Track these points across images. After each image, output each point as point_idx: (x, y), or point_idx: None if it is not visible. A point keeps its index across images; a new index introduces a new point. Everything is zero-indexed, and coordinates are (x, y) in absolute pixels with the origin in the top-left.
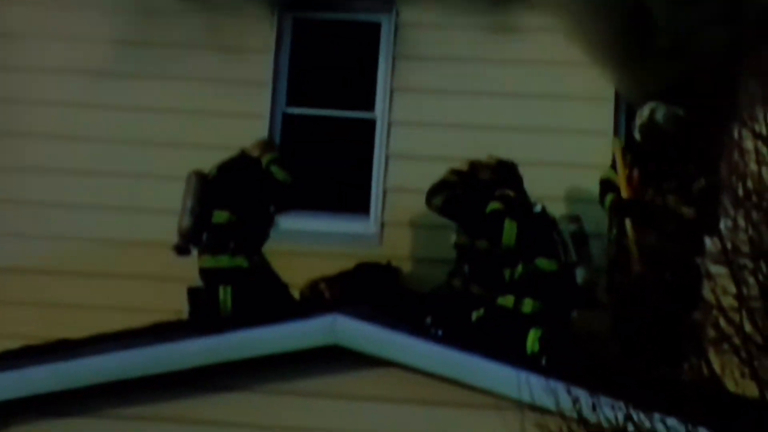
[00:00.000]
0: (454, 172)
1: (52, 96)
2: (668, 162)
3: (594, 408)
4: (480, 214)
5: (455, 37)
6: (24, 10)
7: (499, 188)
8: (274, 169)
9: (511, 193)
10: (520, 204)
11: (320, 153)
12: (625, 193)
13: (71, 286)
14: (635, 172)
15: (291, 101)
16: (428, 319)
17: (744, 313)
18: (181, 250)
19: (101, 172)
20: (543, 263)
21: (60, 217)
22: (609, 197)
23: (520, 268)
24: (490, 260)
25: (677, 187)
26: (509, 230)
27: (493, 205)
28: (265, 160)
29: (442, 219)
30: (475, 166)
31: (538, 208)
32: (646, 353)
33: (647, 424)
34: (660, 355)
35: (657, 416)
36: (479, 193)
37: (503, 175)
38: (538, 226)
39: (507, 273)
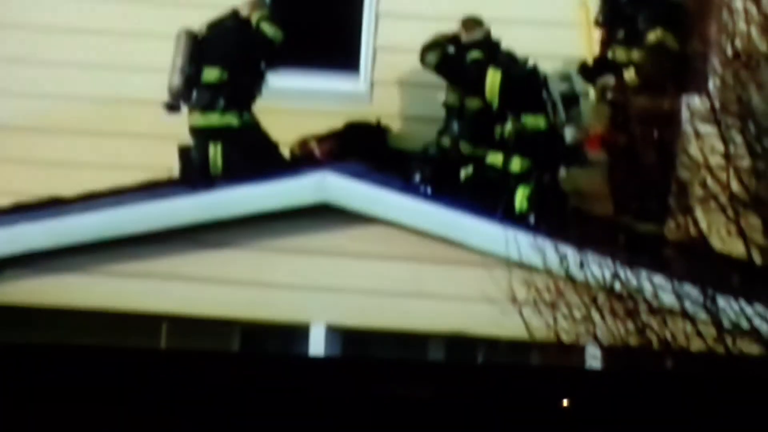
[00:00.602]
0: (444, 34)
1: None
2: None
3: (581, 265)
4: (467, 67)
5: None
6: None
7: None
8: (264, 26)
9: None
10: (505, 56)
11: (310, 11)
12: (589, 54)
13: (63, 143)
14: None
15: None
16: (417, 177)
17: (731, 171)
18: (172, 107)
19: (91, 29)
20: (531, 120)
21: (51, 76)
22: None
23: (509, 125)
24: (479, 118)
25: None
26: (492, 80)
27: (473, 54)
28: (254, 17)
29: (431, 77)
30: (466, 25)
31: (529, 66)
32: (637, 210)
33: (634, 281)
34: (649, 211)
35: (643, 273)
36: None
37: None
38: (527, 82)
39: (497, 131)
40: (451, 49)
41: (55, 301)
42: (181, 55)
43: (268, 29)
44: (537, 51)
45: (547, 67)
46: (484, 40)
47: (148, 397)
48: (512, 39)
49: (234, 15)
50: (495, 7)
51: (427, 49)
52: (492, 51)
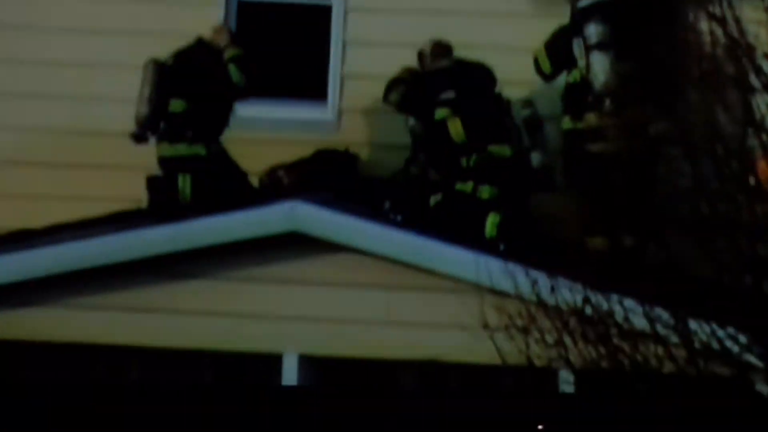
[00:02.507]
0: (407, 69)
1: None
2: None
3: (552, 290)
4: (431, 113)
5: None
6: None
7: (449, 79)
8: (231, 67)
9: (452, 95)
10: (469, 90)
11: (277, 40)
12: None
13: (30, 176)
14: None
15: None
16: (387, 204)
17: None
18: (139, 138)
19: (58, 61)
20: (496, 149)
21: (17, 107)
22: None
23: (474, 156)
24: (445, 148)
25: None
26: (455, 128)
27: (440, 113)
28: (227, 54)
29: None
30: (424, 55)
31: (494, 92)
32: (607, 233)
33: (605, 305)
34: (620, 233)
35: (614, 297)
36: (433, 84)
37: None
38: (490, 112)
39: (464, 161)
40: (411, 84)
41: (23, 335)
42: (148, 84)
43: (235, 73)
44: (499, 76)
45: (510, 92)
46: (449, 68)
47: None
48: None
49: (200, 44)
50: (458, 33)
51: (389, 88)
52: (457, 81)
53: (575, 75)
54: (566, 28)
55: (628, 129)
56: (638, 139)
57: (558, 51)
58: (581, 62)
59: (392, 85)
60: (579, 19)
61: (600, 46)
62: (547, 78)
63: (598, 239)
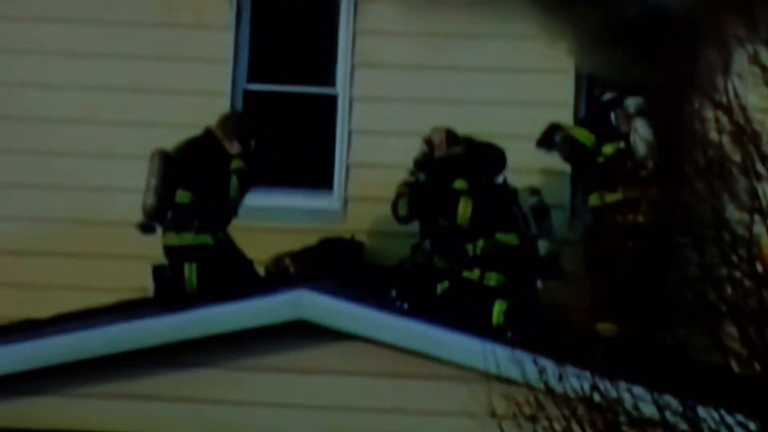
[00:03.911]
0: (404, 183)
1: (16, 77)
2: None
3: (560, 378)
4: (439, 193)
5: (415, 12)
6: None
7: (462, 166)
8: (234, 180)
9: (465, 184)
10: (480, 177)
11: (282, 129)
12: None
13: (36, 265)
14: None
15: (252, 77)
16: (393, 293)
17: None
18: (146, 228)
19: (64, 152)
20: (503, 237)
21: (23, 197)
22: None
23: (481, 243)
24: (451, 236)
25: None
26: (464, 209)
27: (458, 184)
28: (233, 164)
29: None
30: (433, 143)
31: (499, 180)
32: (621, 322)
33: (613, 392)
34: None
35: (623, 385)
36: (439, 173)
37: (470, 149)
38: (497, 200)
39: (470, 248)
40: (417, 188)
41: (29, 425)
42: (155, 175)
43: (234, 189)
44: (508, 164)
45: (517, 181)
46: (462, 155)
47: None
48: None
49: (207, 135)
50: (464, 122)
51: (394, 207)
52: (469, 169)
53: (613, 147)
54: (597, 111)
55: (662, 200)
56: (668, 213)
57: (596, 125)
58: (624, 130)
59: (396, 201)
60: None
61: (641, 113)
62: (582, 155)
63: (608, 327)
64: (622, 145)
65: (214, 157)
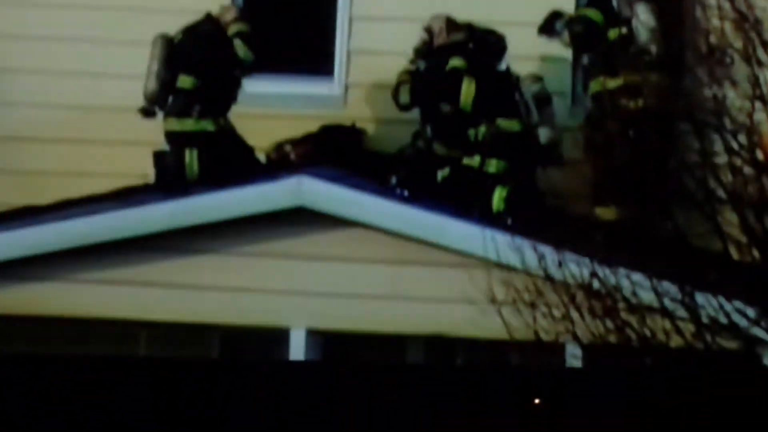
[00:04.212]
0: (406, 71)
1: None
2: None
3: (559, 264)
4: (440, 74)
5: None
6: None
7: (463, 51)
8: (237, 43)
9: (464, 62)
10: (482, 62)
11: (284, 16)
12: None
13: (37, 152)
14: None
15: None
16: (394, 180)
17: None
18: (147, 112)
19: (65, 37)
20: (505, 124)
21: (24, 83)
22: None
23: (483, 128)
24: (453, 121)
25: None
26: (467, 90)
27: (455, 62)
28: (231, 30)
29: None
30: (432, 31)
31: (502, 67)
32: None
33: (612, 279)
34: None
35: (622, 271)
36: (439, 59)
37: (470, 35)
38: (500, 86)
39: (471, 133)
40: (418, 76)
41: (31, 310)
42: (157, 60)
43: (240, 48)
44: (510, 51)
45: (519, 68)
46: (463, 42)
47: (129, 404)
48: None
49: (209, 21)
50: (465, 9)
51: (395, 94)
52: (470, 54)
53: (616, 32)
54: None
55: (663, 86)
56: (670, 100)
57: (605, 6)
58: (626, 15)
59: (397, 88)
60: None
61: None
62: (592, 36)
63: (607, 211)
64: (624, 30)
65: (216, 42)
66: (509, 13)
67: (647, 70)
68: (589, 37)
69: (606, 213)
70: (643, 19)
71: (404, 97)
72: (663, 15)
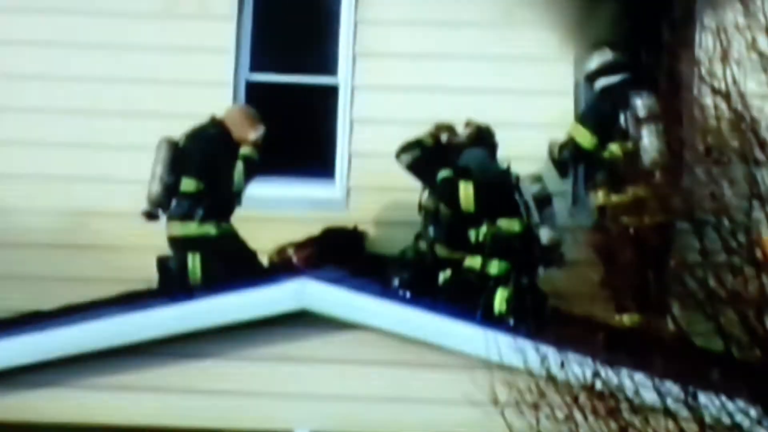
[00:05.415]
0: (432, 135)
1: (20, 69)
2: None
3: (562, 365)
4: (441, 181)
5: (416, 1)
6: None
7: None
8: (239, 167)
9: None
10: (478, 167)
11: (285, 119)
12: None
13: (41, 257)
14: None
15: (254, 67)
16: (396, 282)
17: (707, 268)
18: (150, 215)
19: (66, 143)
20: (506, 224)
21: (30, 189)
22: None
23: (484, 229)
24: (454, 223)
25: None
26: (465, 193)
27: (443, 173)
28: (242, 150)
29: (407, 182)
30: (440, 129)
31: (501, 169)
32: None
33: (615, 379)
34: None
35: (624, 371)
36: (444, 157)
37: (477, 138)
38: (499, 187)
39: (473, 235)
40: (427, 150)
41: (35, 417)
42: (161, 163)
43: (238, 174)
44: (508, 152)
45: (519, 168)
46: (467, 142)
47: None
48: None
49: (213, 124)
50: (466, 110)
51: (403, 149)
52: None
53: (621, 148)
54: (598, 102)
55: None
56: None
57: (601, 125)
58: (633, 135)
59: (407, 146)
60: (618, 92)
61: (650, 119)
62: (582, 156)
63: (632, 318)
64: (630, 146)
65: (221, 146)
66: (510, 114)
67: (654, 186)
68: (576, 161)
69: (631, 320)
70: (652, 140)
71: (407, 158)
72: (663, 114)
